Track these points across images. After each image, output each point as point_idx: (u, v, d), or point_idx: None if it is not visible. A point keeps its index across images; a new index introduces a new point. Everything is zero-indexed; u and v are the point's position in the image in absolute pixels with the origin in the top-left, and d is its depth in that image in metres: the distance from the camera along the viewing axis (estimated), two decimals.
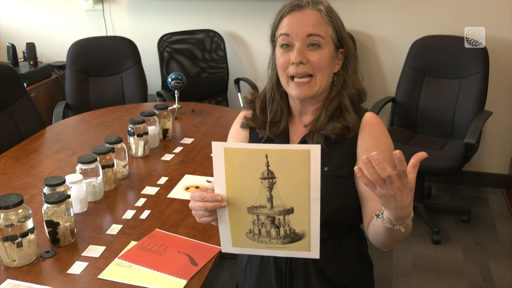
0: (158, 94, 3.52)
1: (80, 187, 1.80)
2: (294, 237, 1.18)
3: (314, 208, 1.14)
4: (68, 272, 1.52)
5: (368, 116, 1.36)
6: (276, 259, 1.39)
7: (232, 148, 1.15)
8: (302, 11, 1.30)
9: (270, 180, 1.14)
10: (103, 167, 1.95)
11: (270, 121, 1.40)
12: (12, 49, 3.64)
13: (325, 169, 1.32)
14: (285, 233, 1.18)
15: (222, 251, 1.27)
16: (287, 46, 1.31)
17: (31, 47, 3.75)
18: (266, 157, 1.12)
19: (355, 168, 1.02)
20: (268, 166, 1.13)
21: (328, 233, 1.34)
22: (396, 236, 1.16)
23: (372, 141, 1.33)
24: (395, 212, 1.07)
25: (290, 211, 1.16)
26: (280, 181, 1.13)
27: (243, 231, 1.21)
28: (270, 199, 1.15)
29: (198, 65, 3.79)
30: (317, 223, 1.15)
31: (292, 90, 1.33)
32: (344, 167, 1.33)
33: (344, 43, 1.34)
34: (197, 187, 2.02)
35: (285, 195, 1.15)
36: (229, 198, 1.18)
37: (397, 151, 0.98)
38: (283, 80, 1.34)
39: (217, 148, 1.15)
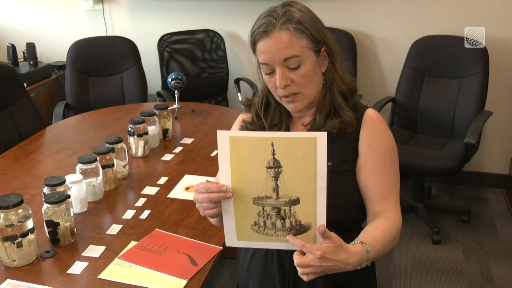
0: (158, 94, 3.52)
1: (80, 187, 1.80)
2: (300, 229, 1.16)
3: (321, 198, 1.13)
4: (68, 272, 1.52)
5: (370, 112, 1.37)
6: (280, 258, 1.39)
7: (238, 137, 1.14)
8: (270, 35, 1.26)
9: (276, 170, 1.12)
10: (103, 167, 1.95)
11: (269, 125, 1.40)
12: (12, 49, 3.64)
13: (329, 164, 1.31)
14: (290, 225, 1.16)
15: (227, 245, 1.25)
16: (271, 73, 1.30)
17: (31, 47, 3.75)
18: (272, 145, 1.11)
19: None
20: (274, 154, 1.11)
21: (334, 230, 1.34)
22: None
23: (374, 137, 1.33)
24: (351, 267, 1.16)
25: (296, 201, 1.14)
26: (286, 170, 1.12)
27: (248, 224, 1.19)
28: (276, 189, 1.14)
29: (198, 65, 3.79)
30: (323, 214, 1.14)
31: (285, 105, 1.35)
32: (347, 162, 1.33)
33: (324, 42, 1.31)
34: None
35: (291, 185, 1.13)
36: (234, 189, 1.16)
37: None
38: (276, 98, 1.36)
39: (223, 137, 1.13)
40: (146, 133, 2.29)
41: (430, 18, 3.45)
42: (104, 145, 2.05)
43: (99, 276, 1.49)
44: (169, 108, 2.56)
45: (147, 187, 2.03)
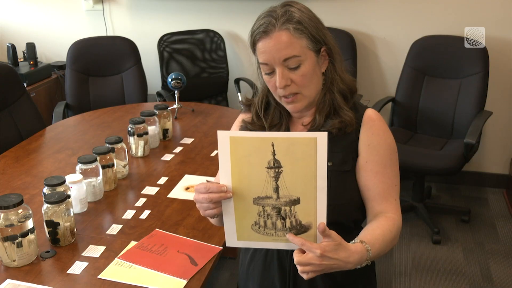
0: (158, 94, 3.52)
1: (80, 187, 1.80)
2: (300, 229, 1.16)
3: (321, 198, 1.13)
4: (68, 272, 1.52)
5: (369, 112, 1.37)
6: (280, 258, 1.39)
7: (238, 137, 1.14)
8: (270, 35, 1.26)
9: (276, 170, 1.12)
10: (103, 167, 1.95)
11: (269, 125, 1.40)
12: (12, 49, 3.64)
13: (329, 164, 1.31)
14: (291, 225, 1.16)
15: (227, 245, 1.25)
16: (271, 73, 1.30)
17: (31, 47, 3.75)
18: (273, 145, 1.11)
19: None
20: (274, 155, 1.11)
21: (334, 230, 1.34)
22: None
23: (374, 136, 1.34)
24: (351, 266, 1.16)
25: (297, 201, 1.14)
26: (286, 171, 1.12)
27: (248, 224, 1.19)
28: (276, 189, 1.14)
29: (198, 65, 3.79)
30: (324, 214, 1.14)
31: (285, 105, 1.36)
32: (347, 162, 1.33)
33: (324, 42, 1.32)
34: None
35: (291, 185, 1.13)
36: (235, 189, 1.16)
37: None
38: (276, 98, 1.36)
39: (223, 137, 1.13)
40: (146, 133, 2.29)
41: (430, 18, 3.45)
42: (104, 145, 2.05)
43: (99, 276, 1.50)
44: (169, 108, 2.56)
45: (147, 187, 2.03)
